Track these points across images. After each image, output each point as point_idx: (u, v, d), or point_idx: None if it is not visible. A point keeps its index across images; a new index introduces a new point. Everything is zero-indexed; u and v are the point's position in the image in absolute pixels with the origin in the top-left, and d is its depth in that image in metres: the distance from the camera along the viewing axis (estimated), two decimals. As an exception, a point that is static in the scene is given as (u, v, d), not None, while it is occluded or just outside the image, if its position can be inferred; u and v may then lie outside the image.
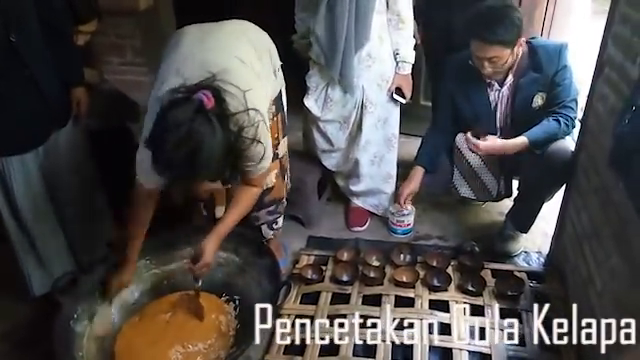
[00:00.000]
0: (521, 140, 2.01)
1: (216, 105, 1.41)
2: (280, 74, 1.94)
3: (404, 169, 2.59)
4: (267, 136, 1.61)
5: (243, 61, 1.61)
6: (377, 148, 2.37)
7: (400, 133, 2.48)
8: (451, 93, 2.21)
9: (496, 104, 2.13)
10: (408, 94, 2.33)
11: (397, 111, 2.36)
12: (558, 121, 1.98)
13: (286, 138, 2.06)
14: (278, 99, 1.94)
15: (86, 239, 2.05)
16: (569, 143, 2.00)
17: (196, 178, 1.43)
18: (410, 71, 2.30)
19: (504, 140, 2.06)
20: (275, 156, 1.96)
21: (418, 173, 2.27)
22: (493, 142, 2.06)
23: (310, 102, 2.29)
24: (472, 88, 2.13)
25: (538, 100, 2.04)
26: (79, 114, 1.94)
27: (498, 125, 2.16)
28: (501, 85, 2.08)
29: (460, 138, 2.21)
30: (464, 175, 2.24)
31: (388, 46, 2.20)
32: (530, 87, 2.03)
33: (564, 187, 2.05)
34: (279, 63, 1.92)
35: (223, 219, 1.72)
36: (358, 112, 2.27)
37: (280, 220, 2.17)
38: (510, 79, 2.06)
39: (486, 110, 2.14)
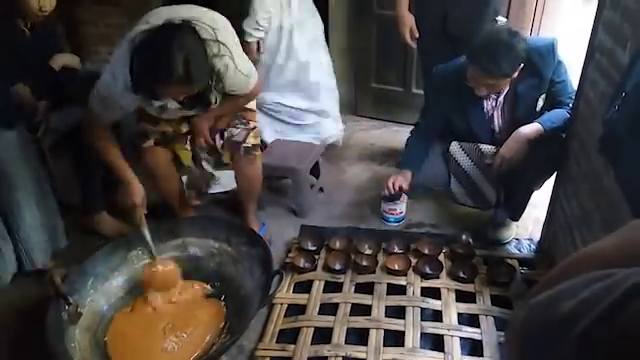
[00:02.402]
0: (535, 128, 1.96)
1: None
2: None
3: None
4: (241, 64, 1.79)
5: (214, 18, 1.75)
6: None
7: (393, 121, 2.48)
8: (441, 106, 2.17)
9: (492, 114, 2.11)
10: None
11: None
12: (564, 108, 1.96)
13: None
14: None
15: (38, 239, 2.03)
16: (557, 134, 1.99)
17: (193, 83, 1.57)
18: None
19: (516, 136, 1.98)
20: None
21: (407, 175, 2.26)
22: (508, 153, 1.99)
23: None
24: (466, 100, 2.07)
25: (540, 102, 2.03)
26: (26, 113, 1.96)
27: (496, 133, 2.13)
28: (497, 95, 2.05)
29: (455, 147, 2.18)
30: (462, 183, 2.23)
31: None
32: (531, 93, 2.00)
33: (555, 174, 2.05)
34: None
35: (220, 106, 1.86)
36: None
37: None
38: (506, 88, 2.03)
39: (481, 120, 2.11)
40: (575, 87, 1.93)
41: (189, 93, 1.65)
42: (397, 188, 2.23)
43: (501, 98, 2.07)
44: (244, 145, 2.01)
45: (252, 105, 2.04)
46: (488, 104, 2.09)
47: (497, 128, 2.13)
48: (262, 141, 2.13)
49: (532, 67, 1.96)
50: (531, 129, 1.96)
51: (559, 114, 1.97)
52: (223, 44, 1.68)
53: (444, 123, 2.23)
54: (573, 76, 1.98)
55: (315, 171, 2.61)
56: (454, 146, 2.18)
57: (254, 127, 2.07)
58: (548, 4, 2.74)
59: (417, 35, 2.46)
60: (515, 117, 2.06)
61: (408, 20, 2.45)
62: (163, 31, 1.54)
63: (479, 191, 2.21)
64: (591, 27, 1.71)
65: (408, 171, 2.26)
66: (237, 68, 1.76)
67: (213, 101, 1.79)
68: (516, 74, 1.94)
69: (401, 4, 2.44)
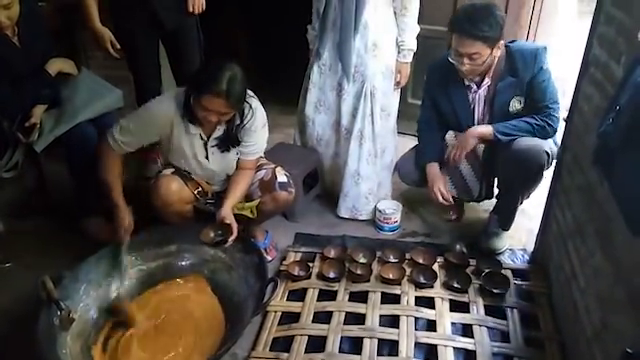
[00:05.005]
0: (486, 128, 2.08)
1: None
2: None
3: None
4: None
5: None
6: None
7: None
8: (433, 96, 2.26)
9: (474, 105, 2.17)
10: (404, 81, 2.42)
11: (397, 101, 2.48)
12: (533, 118, 2.02)
13: None
14: None
15: None
16: (542, 142, 2.01)
17: (230, 99, 1.74)
18: (411, 59, 2.36)
19: (469, 132, 2.12)
20: None
21: (435, 168, 2.26)
22: (459, 145, 2.14)
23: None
24: (453, 89, 2.16)
25: (515, 104, 2.07)
26: None
27: (476, 124, 2.18)
28: (478, 87, 2.12)
29: (450, 136, 2.23)
30: (449, 172, 2.26)
31: (394, 36, 2.29)
32: (507, 91, 2.06)
33: (549, 185, 2.07)
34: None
35: (232, 195, 1.94)
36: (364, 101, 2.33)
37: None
38: (487, 81, 2.09)
39: (465, 110, 2.18)
40: (556, 95, 2.01)
41: (225, 111, 1.78)
42: (448, 194, 2.23)
43: (481, 91, 2.12)
44: (279, 181, 2.04)
45: (260, 153, 2.08)
46: (471, 95, 2.15)
47: (476, 121, 2.19)
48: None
49: (513, 67, 2.03)
50: (485, 129, 2.09)
51: (517, 125, 2.04)
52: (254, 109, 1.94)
53: (437, 113, 2.30)
54: (566, 87, 2.01)
55: (313, 177, 2.62)
56: (450, 135, 2.24)
57: (275, 166, 2.10)
58: (542, 18, 2.77)
59: (118, 46, 2.42)
60: (492, 112, 2.13)
61: (107, 34, 2.39)
62: (218, 59, 1.82)
63: (464, 182, 2.26)
64: (586, 41, 1.74)
65: (435, 163, 2.27)
66: (259, 127, 1.98)
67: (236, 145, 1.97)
68: (497, 52, 1.98)
69: (93, 20, 2.37)
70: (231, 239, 1.85)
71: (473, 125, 2.18)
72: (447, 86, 2.17)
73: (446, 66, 2.09)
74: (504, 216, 2.22)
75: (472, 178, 2.24)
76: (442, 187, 2.22)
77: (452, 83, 2.15)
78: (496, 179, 2.29)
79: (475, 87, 2.12)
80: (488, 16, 1.89)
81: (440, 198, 2.22)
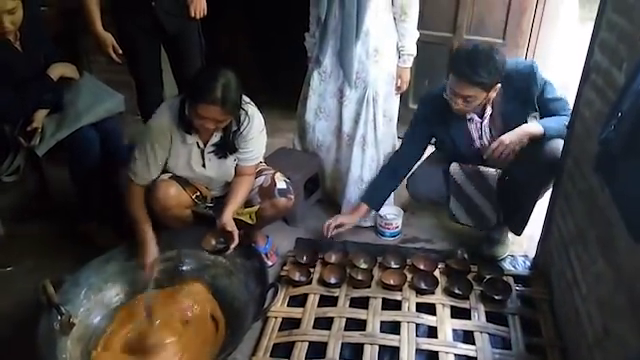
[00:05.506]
0: (538, 129, 1.96)
1: None
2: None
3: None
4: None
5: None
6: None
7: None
8: (426, 131, 2.25)
9: (476, 137, 2.14)
10: (404, 86, 2.42)
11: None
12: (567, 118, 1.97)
13: None
14: None
15: None
16: (559, 140, 1.98)
17: (226, 106, 1.73)
18: (411, 64, 2.36)
19: (519, 130, 1.96)
20: None
21: (362, 210, 2.31)
22: (507, 142, 1.96)
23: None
24: (451, 123, 2.13)
25: (533, 121, 2.04)
26: None
27: (482, 154, 2.14)
28: (481, 117, 2.10)
29: (455, 167, 2.20)
30: (462, 203, 2.25)
31: (394, 41, 2.29)
32: (520, 113, 2.03)
33: (550, 191, 2.06)
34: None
35: (233, 201, 1.92)
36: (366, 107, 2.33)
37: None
38: (489, 111, 2.07)
39: (467, 142, 2.15)
40: (571, 105, 1.95)
41: (221, 119, 1.77)
42: (331, 230, 2.26)
43: (485, 122, 2.10)
44: (278, 188, 2.02)
45: (259, 159, 2.07)
46: (472, 126, 2.13)
47: (483, 151, 2.13)
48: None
49: (515, 89, 2.01)
50: (536, 128, 1.97)
51: (561, 120, 1.98)
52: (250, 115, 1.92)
53: (421, 151, 2.32)
54: (569, 95, 1.99)
55: (314, 182, 2.62)
56: (454, 167, 2.19)
57: (275, 172, 2.09)
58: (544, 24, 2.78)
59: (120, 51, 2.45)
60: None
61: (109, 39, 2.41)
62: (211, 66, 1.83)
63: (479, 211, 2.21)
64: (587, 47, 1.74)
65: (366, 207, 2.31)
66: (256, 133, 1.96)
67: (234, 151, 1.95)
68: (493, 93, 1.97)
69: (96, 24, 2.38)
70: (232, 246, 1.85)
71: (478, 154, 2.14)
72: (445, 119, 2.13)
73: (440, 98, 2.07)
74: (519, 221, 2.18)
75: (487, 207, 2.19)
76: (342, 221, 2.28)
77: (450, 116, 2.10)
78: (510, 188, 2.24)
79: (477, 118, 2.10)
80: (488, 62, 1.88)
81: (325, 227, 2.26)
